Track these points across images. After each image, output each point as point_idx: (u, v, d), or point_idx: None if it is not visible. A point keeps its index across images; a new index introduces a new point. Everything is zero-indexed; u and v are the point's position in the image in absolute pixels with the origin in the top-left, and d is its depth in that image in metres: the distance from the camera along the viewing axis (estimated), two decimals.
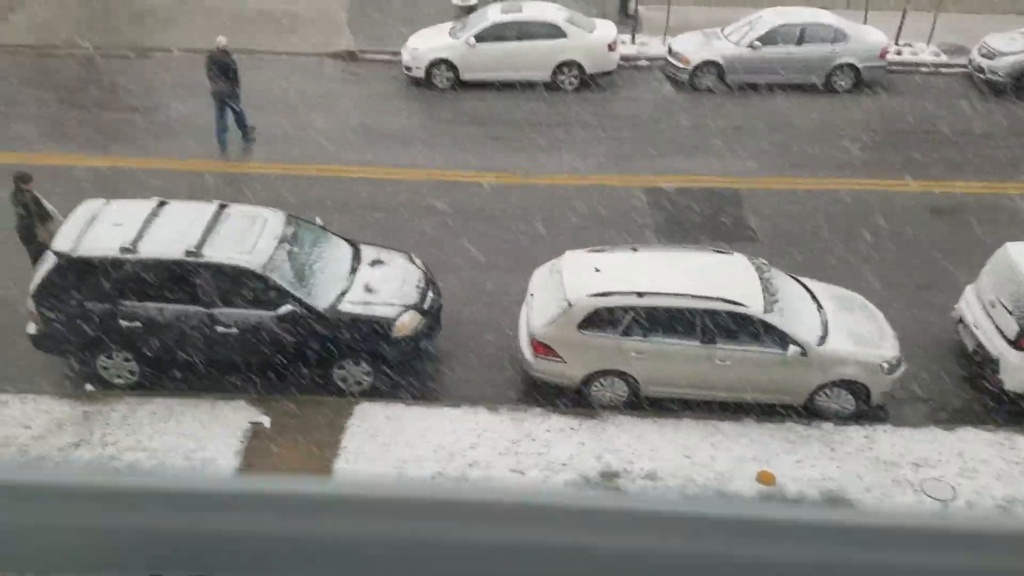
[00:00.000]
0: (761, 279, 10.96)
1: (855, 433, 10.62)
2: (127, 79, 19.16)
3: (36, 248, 11.71)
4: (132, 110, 17.69)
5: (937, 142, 17.37)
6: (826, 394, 10.79)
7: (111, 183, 14.76)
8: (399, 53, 19.34)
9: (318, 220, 12.08)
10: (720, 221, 14.84)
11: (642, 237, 14.21)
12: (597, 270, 10.89)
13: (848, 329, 10.96)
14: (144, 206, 11.18)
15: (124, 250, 10.38)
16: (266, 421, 10.46)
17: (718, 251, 11.80)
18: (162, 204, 11.26)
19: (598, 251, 11.57)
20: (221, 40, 16.18)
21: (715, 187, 15.76)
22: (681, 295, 10.53)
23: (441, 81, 18.83)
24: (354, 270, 11.31)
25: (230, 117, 16.29)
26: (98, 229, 10.71)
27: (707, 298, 10.50)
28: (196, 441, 10.14)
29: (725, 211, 15.11)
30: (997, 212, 15.15)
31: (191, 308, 10.51)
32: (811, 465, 10.15)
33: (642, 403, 11.01)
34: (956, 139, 17.46)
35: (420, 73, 18.84)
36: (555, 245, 13.49)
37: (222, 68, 15.85)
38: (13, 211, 11.99)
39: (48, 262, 10.57)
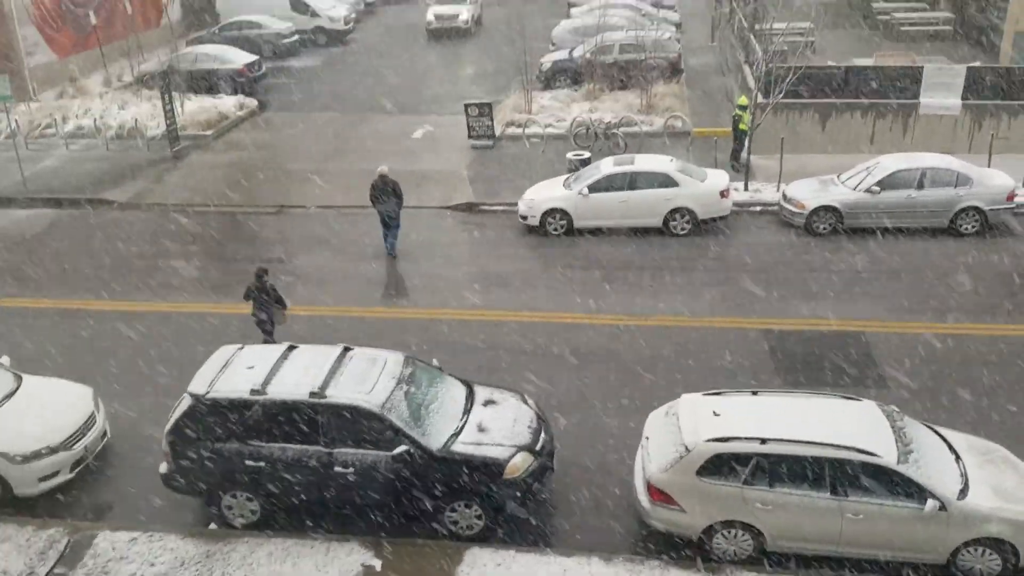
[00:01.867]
0: (893, 427, 10.40)
1: None
2: (266, 233, 20.64)
3: (271, 330, 14.74)
4: (270, 261, 18.88)
5: None
6: (969, 553, 9.90)
7: (251, 328, 15.64)
8: (515, 204, 20.25)
9: (435, 361, 12.37)
10: (846, 366, 14.28)
11: (762, 381, 13.81)
12: (716, 414, 10.59)
13: (990, 482, 10.15)
14: (275, 350, 11.78)
15: (254, 392, 10.85)
16: (377, 565, 10.37)
17: (846, 397, 11.29)
18: (291, 348, 11.84)
19: (716, 394, 11.28)
20: (383, 168, 18.67)
21: (839, 331, 15.28)
22: (808, 443, 10.05)
23: (555, 228, 19.48)
24: (468, 410, 11.41)
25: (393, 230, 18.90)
26: (231, 372, 11.30)
27: (836, 446, 9.98)
28: None
29: (851, 356, 14.57)
30: None
31: (312, 448, 10.78)
32: None
33: (769, 558, 10.36)
34: None
35: (535, 221, 19.59)
36: (671, 387, 13.31)
37: (389, 190, 18.36)
38: (253, 299, 14.60)
39: (183, 403, 11.15)
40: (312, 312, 16.38)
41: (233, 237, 20.55)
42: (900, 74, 22.96)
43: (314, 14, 39.02)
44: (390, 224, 18.72)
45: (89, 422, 12.41)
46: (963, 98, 22.52)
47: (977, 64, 23.96)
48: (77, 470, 12.13)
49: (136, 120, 26.84)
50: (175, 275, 18.51)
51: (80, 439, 12.14)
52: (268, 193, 22.83)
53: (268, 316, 14.73)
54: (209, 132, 27.33)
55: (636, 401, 13.29)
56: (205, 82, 30.56)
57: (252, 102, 30.15)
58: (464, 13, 39.00)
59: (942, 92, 22.60)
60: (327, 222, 21.06)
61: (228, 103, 29.40)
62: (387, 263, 18.88)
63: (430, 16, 39.18)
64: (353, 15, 41.37)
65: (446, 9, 39.26)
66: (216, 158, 25.68)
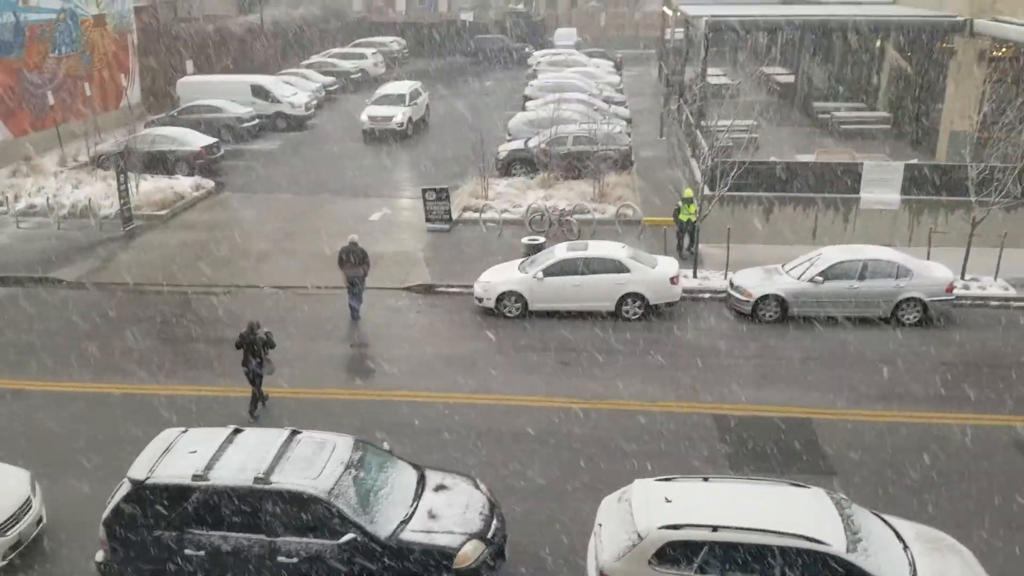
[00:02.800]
0: (842, 515, 10.46)
1: None
2: (218, 313, 20.41)
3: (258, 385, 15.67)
4: (221, 342, 18.67)
5: (1015, 375, 16.96)
6: None
7: (198, 411, 15.34)
8: (471, 286, 20.44)
9: (386, 445, 12.22)
10: (794, 453, 14.43)
11: (712, 467, 13.87)
12: (668, 500, 10.56)
13: (938, 571, 10.19)
14: (219, 434, 11.52)
15: (196, 477, 10.57)
16: None
17: (794, 484, 11.37)
18: (237, 432, 11.60)
19: (668, 480, 11.28)
20: (354, 237, 20.05)
21: (787, 417, 15.47)
22: (759, 530, 10.05)
23: (511, 311, 19.72)
24: (418, 496, 11.24)
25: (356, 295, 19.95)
26: (173, 457, 11.02)
27: (787, 534, 9.99)
28: None
29: (799, 442, 14.73)
30: None
31: (254, 536, 10.46)
32: None
33: None
34: None
35: (491, 304, 19.81)
36: (623, 472, 13.27)
37: (356, 256, 19.63)
38: (244, 353, 15.35)
39: (122, 489, 10.80)
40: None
41: (183, 317, 20.28)
42: (841, 170, 23.93)
43: (275, 100, 39.63)
44: (354, 289, 19.70)
45: (25, 507, 11.93)
46: (902, 193, 23.50)
47: (915, 161, 25.07)
48: (10, 557, 11.61)
49: (90, 199, 26.68)
50: (122, 355, 18.16)
51: (15, 525, 11.66)
52: (222, 273, 22.68)
53: (256, 366, 15.40)
54: (164, 212, 27.24)
55: (589, 486, 13.21)
56: (162, 163, 30.62)
57: (209, 183, 30.22)
58: (399, 115, 37.33)
59: (882, 187, 23.58)
60: (282, 302, 20.95)
61: (184, 184, 29.42)
62: (342, 343, 18.79)
63: (364, 117, 37.64)
64: (314, 102, 42.07)
65: (381, 110, 37.78)
66: (170, 237, 25.53)
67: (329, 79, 48.39)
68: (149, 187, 28.44)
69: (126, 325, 19.66)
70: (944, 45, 28.30)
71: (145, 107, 41.36)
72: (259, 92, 39.57)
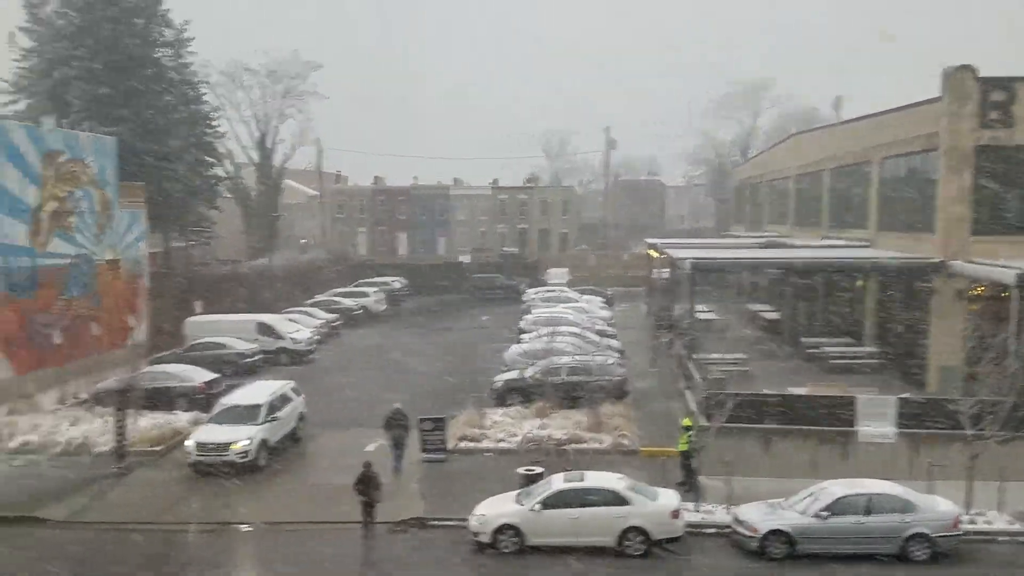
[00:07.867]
0: None
1: None
2: (202, 553, 19.66)
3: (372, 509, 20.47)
4: None
5: None
6: None
7: None
8: (466, 519, 19.89)
9: None
10: None
11: None
12: None
13: None
14: None
15: None
16: None
17: None
18: None
19: None
20: (397, 404, 25.43)
21: None
22: None
23: (507, 546, 19.07)
24: None
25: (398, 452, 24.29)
26: None
27: None
28: None
29: None
30: None
31: None
32: None
33: None
34: None
35: (487, 538, 19.21)
36: None
37: (399, 421, 24.77)
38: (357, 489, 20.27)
39: None
40: None
41: (167, 557, 19.49)
42: (836, 403, 24.13)
43: (278, 336, 40.73)
44: (398, 449, 24.44)
45: None
46: (897, 427, 23.53)
47: (908, 395, 25.35)
48: None
49: (85, 437, 26.61)
50: None
51: None
52: (210, 509, 22.08)
53: (371, 497, 20.34)
54: (159, 448, 27.01)
55: None
56: (163, 399, 30.85)
57: (206, 418, 30.21)
58: (243, 440, 24.48)
59: (877, 420, 23.68)
60: (272, 541, 20.24)
61: (183, 419, 29.44)
62: None
63: (190, 443, 25.02)
64: (316, 337, 43.19)
65: (216, 433, 24.84)
66: (162, 475, 25.07)
67: (332, 315, 50.01)
68: (146, 423, 28.43)
69: (110, 566, 18.89)
70: (923, 284, 29.57)
71: (152, 345, 42.28)
72: (264, 329, 40.76)
